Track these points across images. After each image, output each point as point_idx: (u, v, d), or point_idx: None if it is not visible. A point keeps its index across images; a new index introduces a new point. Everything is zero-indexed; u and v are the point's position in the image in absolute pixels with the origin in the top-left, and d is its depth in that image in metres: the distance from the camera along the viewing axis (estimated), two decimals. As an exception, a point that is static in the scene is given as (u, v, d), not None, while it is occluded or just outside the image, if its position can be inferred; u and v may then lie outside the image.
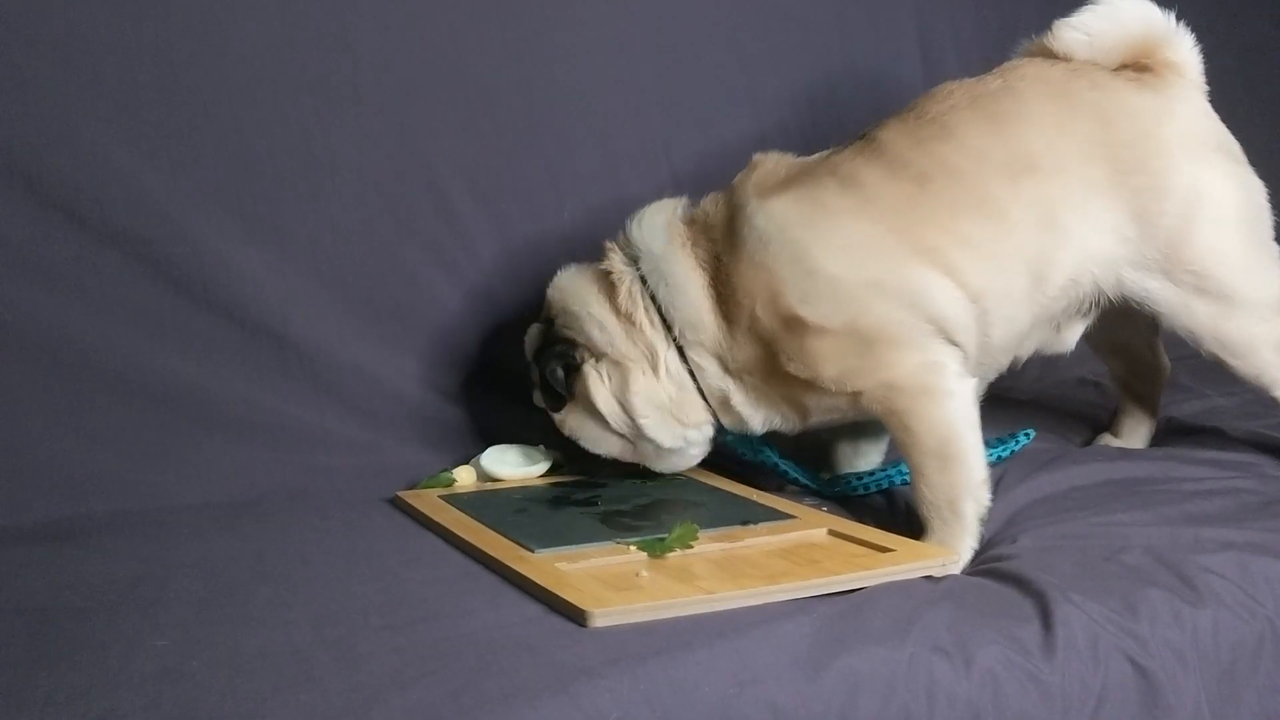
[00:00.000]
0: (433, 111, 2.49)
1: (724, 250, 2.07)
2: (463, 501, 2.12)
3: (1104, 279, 2.09)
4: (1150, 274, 2.09)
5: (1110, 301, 2.13)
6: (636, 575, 1.74)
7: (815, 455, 2.31)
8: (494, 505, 2.10)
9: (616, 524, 1.98)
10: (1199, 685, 1.64)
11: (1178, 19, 2.16)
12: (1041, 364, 2.77)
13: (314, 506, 2.18)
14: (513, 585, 1.75)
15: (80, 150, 2.22)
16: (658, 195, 2.49)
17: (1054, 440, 2.47)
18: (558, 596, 1.64)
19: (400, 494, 2.19)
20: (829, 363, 1.98)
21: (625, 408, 2.13)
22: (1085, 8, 2.14)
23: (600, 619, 1.57)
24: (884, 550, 1.82)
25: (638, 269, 2.13)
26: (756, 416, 2.12)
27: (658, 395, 2.12)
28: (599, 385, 2.13)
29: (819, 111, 2.82)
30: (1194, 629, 1.67)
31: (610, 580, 1.72)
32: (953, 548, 1.87)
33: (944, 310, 1.99)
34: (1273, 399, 2.17)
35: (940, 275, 1.99)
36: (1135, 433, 2.47)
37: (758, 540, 1.90)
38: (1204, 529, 1.88)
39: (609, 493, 2.19)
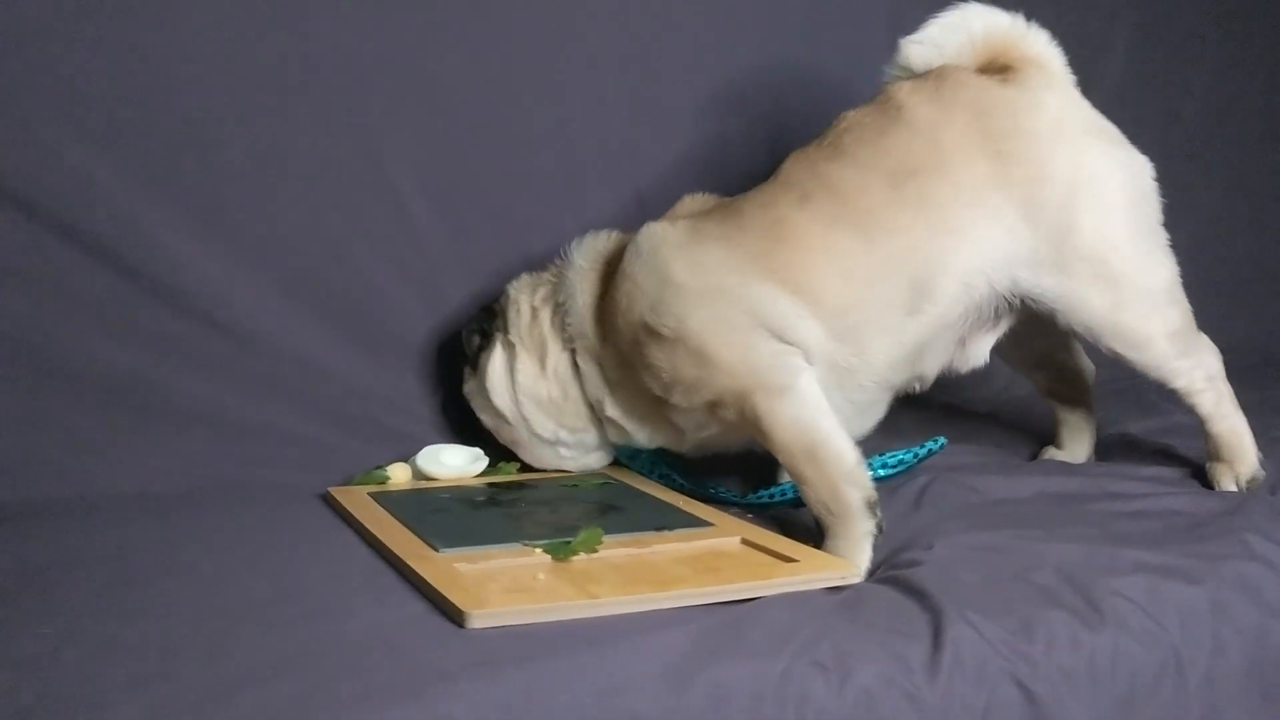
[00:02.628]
0: (388, 109, 2.48)
1: (617, 271, 2.15)
2: (388, 499, 2.12)
3: (998, 280, 2.08)
4: (1044, 269, 2.07)
5: (1010, 307, 2.12)
6: (534, 578, 1.73)
7: (760, 471, 2.31)
8: (418, 504, 2.10)
9: (532, 526, 1.97)
10: (1091, 712, 1.61)
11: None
12: (1009, 375, 2.74)
13: (248, 499, 2.18)
14: (410, 584, 1.74)
15: (31, 143, 2.22)
16: (617, 198, 2.51)
17: (999, 453, 2.45)
18: (442, 596, 1.63)
19: (331, 490, 2.19)
20: (668, 373, 2.04)
21: (512, 385, 2.24)
22: (928, 21, 2.18)
23: (478, 620, 1.56)
24: (789, 560, 1.81)
25: (565, 278, 2.24)
26: (641, 433, 2.20)
27: (539, 391, 2.24)
28: (495, 358, 2.26)
29: (788, 115, 2.79)
30: (1091, 653, 1.63)
31: (505, 581, 1.71)
32: (850, 540, 1.89)
33: (785, 323, 2.01)
34: (1173, 392, 2.17)
35: (787, 293, 2.01)
36: (1077, 442, 2.44)
37: (667, 547, 1.88)
38: (1122, 549, 1.84)
39: (535, 494, 2.19)
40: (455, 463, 2.30)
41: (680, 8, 2.76)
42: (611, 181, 2.64)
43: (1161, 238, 2.16)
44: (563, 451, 2.30)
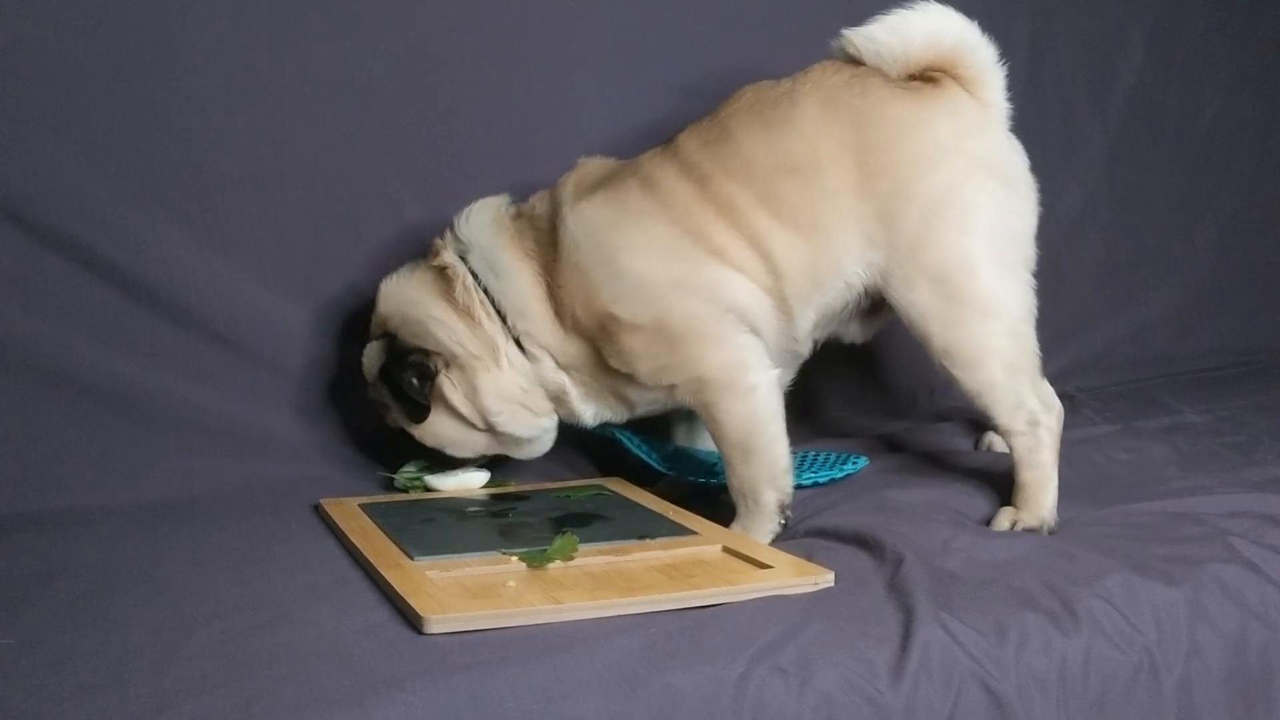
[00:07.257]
0: (384, 119, 2.49)
1: (548, 247, 2.16)
2: (378, 510, 2.12)
3: (868, 280, 2.11)
4: (896, 277, 2.08)
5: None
6: (504, 585, 1.72)
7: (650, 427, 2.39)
8: (407, 514, 2.10)
9: (516, 536, 1.96)
10: (1060, 716, 1.58)
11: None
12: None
13: (241, 510, 2.19)
14: (380, 592, 1.74)
15: (28, 156, 2.27)
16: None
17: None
18: (405, 601, 1.63)
19: (323, 501, 2.19)
20: (643, 359, 2.09)
21: (478, 407, 2.20)
22: (874, 18, 2.14)
23: (435, 625, 1.56)
24: (764, 567, 1.79)
25: (468, 264, 2.20)
26: (588, 411, 2.23)
27: (507, 388, 2.20)
28: (454, 389, 2.19)
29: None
30: (1062, 657, 1.60)
31: (474, 589, 1.70)
32: (754, 531, 2.01)
33: (743, 301, 2.08)
34: (994, 425, 2.10)
35: (734, 271, 2.08)
36: None
37: (646, 555, 1.86)
38: (1098, 550, 1.82)
39: (527, 505, 2.17)
40: (458, 476, 2.30)
41: (686, 22, 2.75)
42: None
43: (1021, 275, 2.09)
44: (547, 438, 2.30)
